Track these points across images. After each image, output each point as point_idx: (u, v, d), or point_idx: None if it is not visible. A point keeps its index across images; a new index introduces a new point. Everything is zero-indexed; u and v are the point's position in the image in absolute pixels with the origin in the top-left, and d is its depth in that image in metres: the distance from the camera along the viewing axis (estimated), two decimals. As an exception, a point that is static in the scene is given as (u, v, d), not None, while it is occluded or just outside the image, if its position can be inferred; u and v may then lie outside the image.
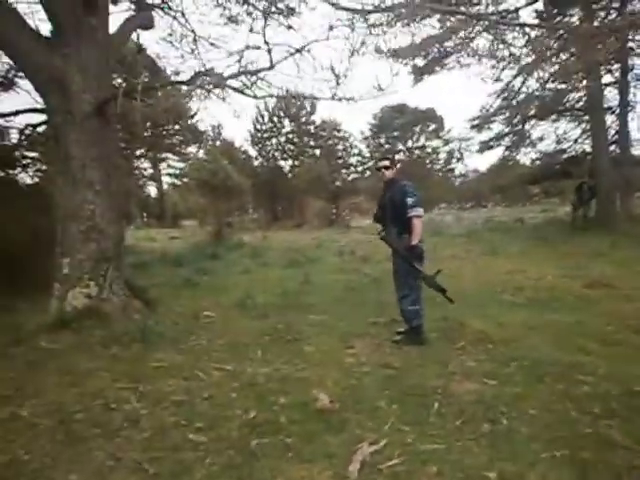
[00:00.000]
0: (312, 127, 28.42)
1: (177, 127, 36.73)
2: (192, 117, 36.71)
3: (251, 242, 13.30)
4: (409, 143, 44.77)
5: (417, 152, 44.68)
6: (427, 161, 43.78)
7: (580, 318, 5.16)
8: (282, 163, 28.28)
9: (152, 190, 41.69)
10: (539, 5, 15.02)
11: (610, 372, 3.61)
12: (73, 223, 4.62)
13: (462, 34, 13.54)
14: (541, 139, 17.59)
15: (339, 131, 28.44)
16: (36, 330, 4.19)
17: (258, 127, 27.92)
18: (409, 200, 4.40)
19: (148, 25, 6.16)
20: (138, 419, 3.01)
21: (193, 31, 7.39)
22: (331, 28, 6.17)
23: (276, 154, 27.72)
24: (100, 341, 4.13)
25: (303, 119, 27.91)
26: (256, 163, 27.72)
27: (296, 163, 27.76)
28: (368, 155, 40.76)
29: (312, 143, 28.50)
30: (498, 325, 4.91)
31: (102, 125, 4.64)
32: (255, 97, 5.27)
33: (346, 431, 2.88)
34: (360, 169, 30.21)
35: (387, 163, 4.68)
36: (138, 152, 36.89)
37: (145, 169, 42.17)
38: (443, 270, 4.69)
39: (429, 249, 10.43)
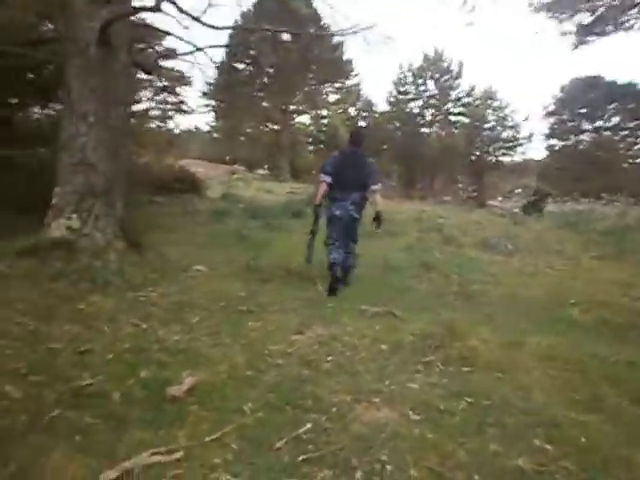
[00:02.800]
0: (456, 92, 26.06)
1: (337, 85, 37.07)
2: (352, 75, 36.82)
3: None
4: (598, 122, 39.11)
5: (607, 133, 38.94)
6: (620, 145, 37.87)
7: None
8: (422, 129, 26.60)
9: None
10: None
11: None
12: (65, 154, 4.64)
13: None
14: None
15: (493, 100, 25.69)
16: (7, 253, 4.33)
17: (400, 89, 26.54)
18: None
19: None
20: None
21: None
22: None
23: (417, 119, 26.17)
24: (53, 274, 4.11)
25: (447, 83, 25.70)
26: (392, 127, 26.46)
27: (434, 129, 25.92)
28: (547, 132, 36.38)
29: (456, 110, 26.25)
30: (507, 345, 3.79)
31: (106, 54, 4.49)
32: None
33: (163, 428, 2.37)
34: (515, 144, 27.05)
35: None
36: (292, 107, 38.32)
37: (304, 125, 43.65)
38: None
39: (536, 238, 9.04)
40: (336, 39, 29.72)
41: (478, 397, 2.90)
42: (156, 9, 4.03)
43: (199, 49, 5.70)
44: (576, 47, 13.61)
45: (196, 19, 4.69)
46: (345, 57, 32.46)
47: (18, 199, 6.59)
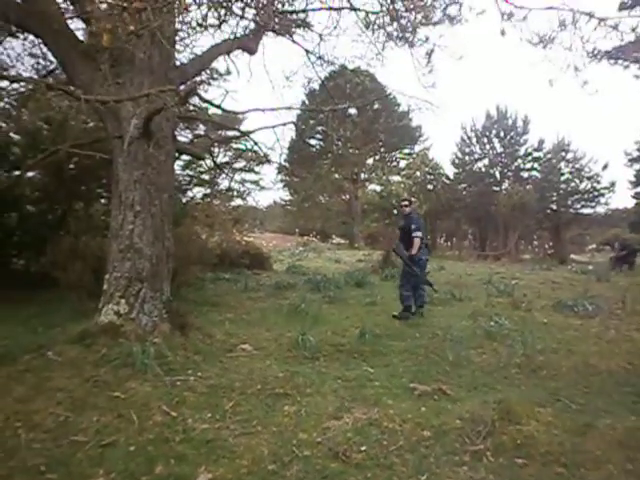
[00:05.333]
0: (525, 148, 25.29)
1: (405, 151, 37.50)
2: (420, 141, 37.16)
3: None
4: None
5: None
6: None
7: None
8: (491, 187, 25.85)
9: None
10: None
11: None
12: (114, 242, 4.88)
13: None
14: None
15: (566, 151, 24.62)
16: (57, 340, 4.51)
17: (465, 150, 26.26)
18: (413, 226, 7.03)
19: (251, 49, 6.24)
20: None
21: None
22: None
23: (485, 178, 25.57)
24: (96, 361, 4.17)
25: (513, 140, 25.06)
26: (461, 186, 25.97)
27: (504, 187, 25.06)
28: (634, 179, 34.19)
29: (527, 166, 25.37)
30: (573, 430, 3.28)
31: (147, 146, 4.79)
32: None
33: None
34: (595, 195, 25.43)
35: (406, 202, 7.45)
36: (363, 176, 39.04)
37: (375, 192, 44.09)
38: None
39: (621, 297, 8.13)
40: (402, 108, 30.60)
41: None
42: (184, 102, 4.33)
43: (245, 133, 5.96)
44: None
45: (217, 106, 5.01)
46: (414, 123, 33.05)
47: (89, 284, 6.99)
